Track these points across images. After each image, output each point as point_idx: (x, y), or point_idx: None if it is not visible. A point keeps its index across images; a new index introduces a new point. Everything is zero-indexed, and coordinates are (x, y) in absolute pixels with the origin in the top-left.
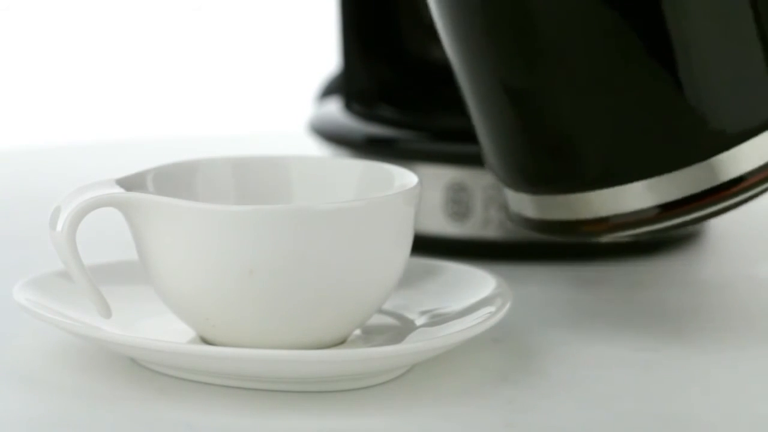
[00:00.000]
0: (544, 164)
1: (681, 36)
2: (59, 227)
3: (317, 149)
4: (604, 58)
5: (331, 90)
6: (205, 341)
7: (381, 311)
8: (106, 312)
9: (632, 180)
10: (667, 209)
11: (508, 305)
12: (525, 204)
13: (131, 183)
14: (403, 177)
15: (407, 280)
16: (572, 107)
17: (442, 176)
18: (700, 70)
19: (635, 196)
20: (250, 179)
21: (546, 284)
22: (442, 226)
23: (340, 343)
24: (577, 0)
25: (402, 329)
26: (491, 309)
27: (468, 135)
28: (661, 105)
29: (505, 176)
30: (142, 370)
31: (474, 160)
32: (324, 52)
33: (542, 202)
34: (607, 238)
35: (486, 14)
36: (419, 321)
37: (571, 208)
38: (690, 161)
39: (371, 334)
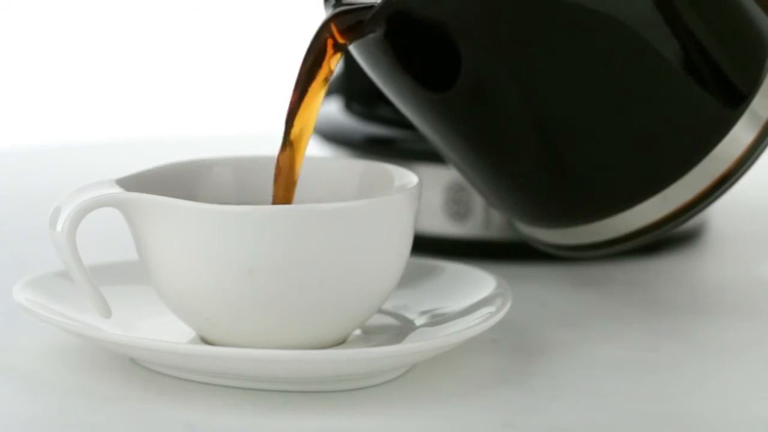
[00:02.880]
0: (563, 204)
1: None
2: (59, 227)
3: (317, 149)
4: (600, 99)
5: (331, 90)
6: (205, 341)
7: (381, 311)
8: (106, 312)
9: (648, 197)
10: (682, 212)
11: (508, 305)
12: (543, 233)
13: (131, 183)
14: (403, 177)
15: (407, 280)
16: (580, 144)
17: (442, 176)
18: (685, 72)
19: (653, 208)
20: (250, 179)
21: (546, 284)
22: (442, 226)
23: (340, 343)
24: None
25: (402, 329)
26: (491, 309)
27: None
28: (658, 124)
29: (518, 217)
30: (142, 370)
31: None
32: None
33: (561, 232)
34: (625, 248)
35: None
36: (419, 321)
37: (593, 233)
38: (694, 163)
39: (371, 334)
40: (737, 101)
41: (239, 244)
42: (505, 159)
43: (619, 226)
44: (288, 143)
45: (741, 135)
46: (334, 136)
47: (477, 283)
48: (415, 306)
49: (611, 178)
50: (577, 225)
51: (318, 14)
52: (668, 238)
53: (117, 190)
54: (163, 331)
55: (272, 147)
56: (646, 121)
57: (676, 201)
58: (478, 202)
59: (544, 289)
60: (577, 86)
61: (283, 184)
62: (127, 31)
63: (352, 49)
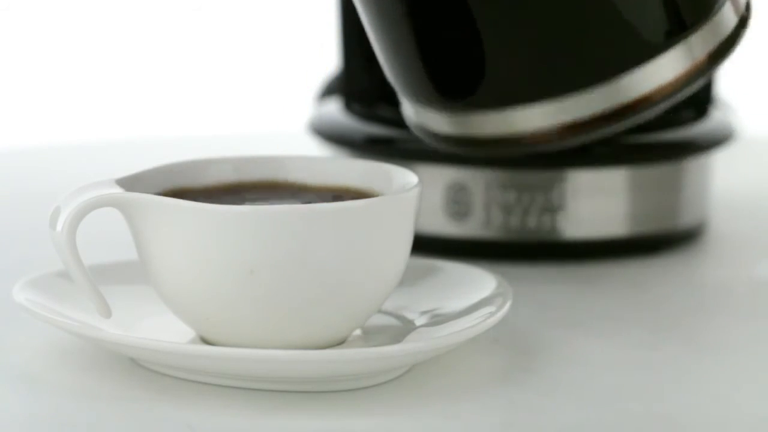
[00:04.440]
0: (461, 79)
1: None
2: (59, 227)
3: (317, 149)
4: None
5: (331, 90)
6: (205, 341)
7: (381, 311)
8: (106, 312)
9: (542, 99)
10: (575, 128)
11: (508, 305)
12: (434, 120)
13: (131, 183)
14: (403, 177)
15: (407, 280)
16: (489, 26)
17: (442, 176)
18: None
19: (543, 115)
20: (250, 179)
21: (546, 284)
22: (442, 226)
23: (340, 343)
24: None
25: (402, 329)
26: (491, 309)
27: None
28: (572, 27)
29: (413, 92)
30: (142, 370)
31: (474, 160)
32: (324, 52)
33: (449, 120)
34: (512, 153)
35: None
36: (419, 321)
37: (478, 125)
38: (597, 81)
39: (371, 334)
40: (675, 30)
41: (239, 244)
42: (412, 30)
43: (503, 124)
44: None
45: (666, 68)
46: (334, 136)
47: (477, 283)
48: (415, 306)
49: (513, 67)
50: (467, 110)
51: (318, 14)
52: (668, 238)
53: (117, 190)
54: (163, 331)
55: (272, 147)
56: (569, 18)
57: (570, 114)
58: (477, 202)
59: (544, 289)
60: None
61: None
62: (128, 31)
63: None
